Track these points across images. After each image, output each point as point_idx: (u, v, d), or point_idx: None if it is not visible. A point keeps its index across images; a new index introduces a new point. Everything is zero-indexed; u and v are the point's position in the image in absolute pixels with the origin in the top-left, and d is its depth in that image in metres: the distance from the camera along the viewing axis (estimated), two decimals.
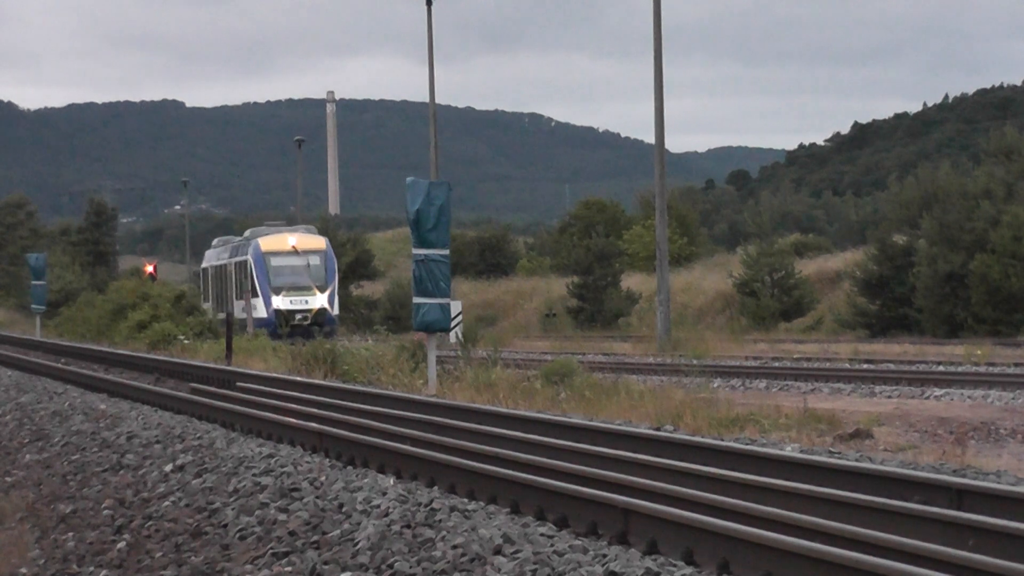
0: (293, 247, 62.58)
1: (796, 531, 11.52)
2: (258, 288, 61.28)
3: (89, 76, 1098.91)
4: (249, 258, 62.32)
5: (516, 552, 11.82)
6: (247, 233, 69.51)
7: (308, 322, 59.48)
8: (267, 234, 64.81)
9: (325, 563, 12.44)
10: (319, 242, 64.34)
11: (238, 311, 62.02)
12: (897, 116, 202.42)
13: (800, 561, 10.68)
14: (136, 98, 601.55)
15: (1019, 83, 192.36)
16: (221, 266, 71.64)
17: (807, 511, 12.40)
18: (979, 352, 45.34)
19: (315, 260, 62.64)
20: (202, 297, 77.69)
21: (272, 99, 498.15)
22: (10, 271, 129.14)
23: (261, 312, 60.62)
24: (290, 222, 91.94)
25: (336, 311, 64.37)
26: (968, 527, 11.37)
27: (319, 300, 61.01)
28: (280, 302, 60.32)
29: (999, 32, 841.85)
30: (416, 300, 33.63)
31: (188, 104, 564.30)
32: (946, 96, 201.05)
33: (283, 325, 58.65)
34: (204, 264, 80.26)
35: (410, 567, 11.77)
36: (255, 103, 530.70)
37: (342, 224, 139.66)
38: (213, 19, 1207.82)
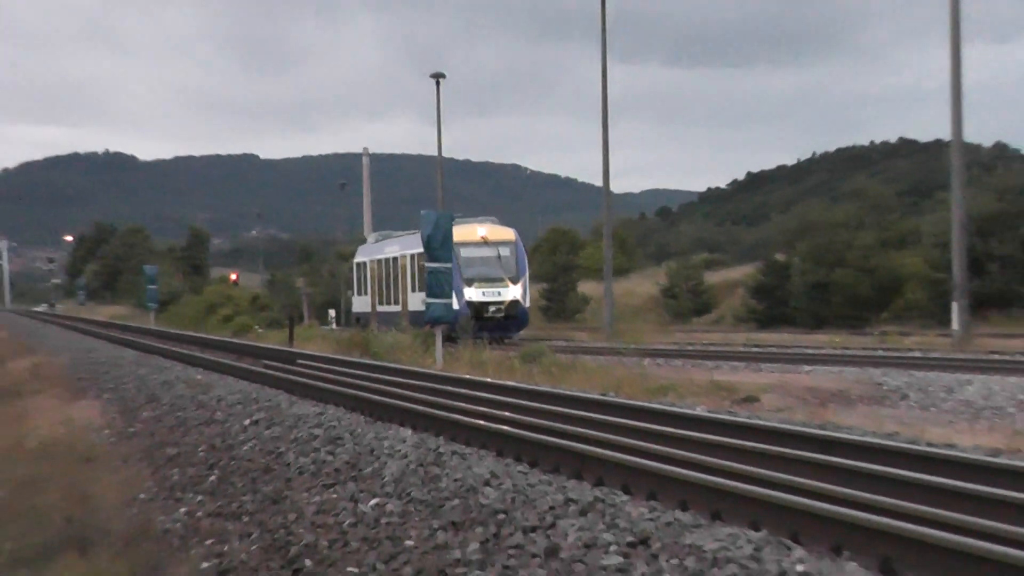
0: (483, 237, 50.78)
1: (703, 469, 11.55)
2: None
3: (188, 134, 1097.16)
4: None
5: (500, 484, 11.85)
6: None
7: (502, 314, 48.91)
8: (455, 224, 52.78)
9: (361, 491, 12.44)
10: (509, 233, 52.01)
11: (416, 303, 50.29)
12: (779, 167, 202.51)
13: (709, 492, 10.71)
14: (223, 151, 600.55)
15: (867, 143, 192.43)
16: (391, 259, 57.95)
17: (712, 456, 12.41)
18: (837, 340, 45.38)
19: (506, 251, 50.57)
20: (356, 291, 66.83)
21: (323, 152, 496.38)
22: (132, 279, 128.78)
23: (452, 304, 49.03)
24: (332, 244, 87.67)
25: (528, 304, 52.54)
26: (828, 466, 11.40)
27: (512, 292, 49.34)
28: (473, 294, 48.64)
29: (854, 104, 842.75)
30: (427, 300, 33.60)
31: (261, 156, 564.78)
32: (814, 152, 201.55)
33: (474, 317, 47.77)
34: (361, 258, 65.58)
35: (423, 495, 11.78)
36: (309, 155, 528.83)
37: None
38: (275, 91, 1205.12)
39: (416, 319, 47.16)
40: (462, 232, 49.29)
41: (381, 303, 59.08)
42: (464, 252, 48.45)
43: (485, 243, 50.17)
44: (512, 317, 48.97)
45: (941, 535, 8.47)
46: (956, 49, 40.20)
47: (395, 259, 56.76)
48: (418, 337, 39.71)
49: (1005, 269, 57.55)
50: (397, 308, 54.76)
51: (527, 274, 51.06)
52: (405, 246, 54.76)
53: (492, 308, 48.44)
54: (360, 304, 64.59)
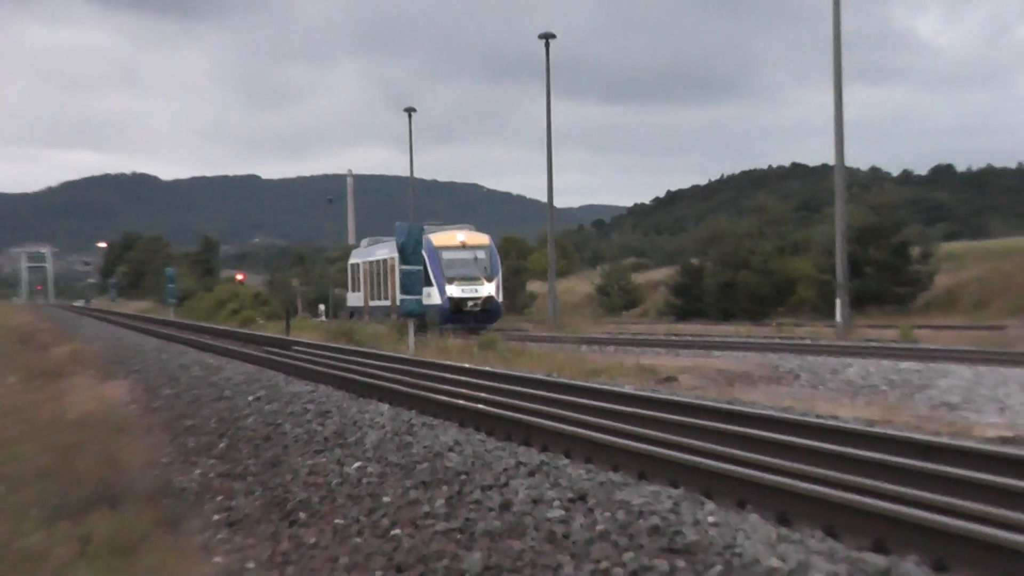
0: (462, 242, 50.09)
1: (631, 438, 11.60)
2: (432, 278, 48.11)
3: (201, 159, 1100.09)
4: (423, 252, 49.96)
5: (462, 450, 11.85)
6: None
7: (479, 308, 48.29)
8: (436, 231, 51.30)
9: (346, 456, 12.43)
10: (484, 239, 51.52)
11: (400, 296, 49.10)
12: (693, 186, 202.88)
13: (636, 457, 10.75)
14: (230, 173, 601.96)
15: (765, 167, 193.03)
16: (381, 260, 56.83)
17: (638, 426, 12.46)
18: (742, 330, 45.55)
19: (481, 254, 49.97)
20: (351, 288, 66.21)
21: (313, 174, 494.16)
22: (154, 279, 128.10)
23: (436, 300, 47.82)
24: (319, 251, 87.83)
25: (501, 299, 52.03)
26: (734, 435, 11.47)
27: (488, 289, 48.78)
28: (453, 291, 48.08)
29: (754, 135, 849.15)
30: (401, 297, 33.65)
31: (262, 177, 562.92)
32: (722, 174, 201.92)
33: (455, 311, 47.66)
34: (355, 260, 65.13)
35: (398, 459, 11.78)
36: (302, 176, 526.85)
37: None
38: (273, 122, 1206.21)
39: (404, 311, 47.03)
40: (444, 238, 49.91)
41: (372, 299, 58.11)
42: (446, 255, 48.48)
43: (464, 247, 49.54)
44: (487, 311, 48.41)
45: (829, 491, 8.54)
46: (838, 90, 40.48)
47: (384, 260, 55.75)
48: (394, 327, 39.65)
49: (879, 271, 57.97)
50: (387, 303, 53.83)
51: (500, 274, 50.58)
52: (393, 250, 52.01)
53: (470, 303, 47.93)
54: (354, 299, 63.64)
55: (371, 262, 59.16)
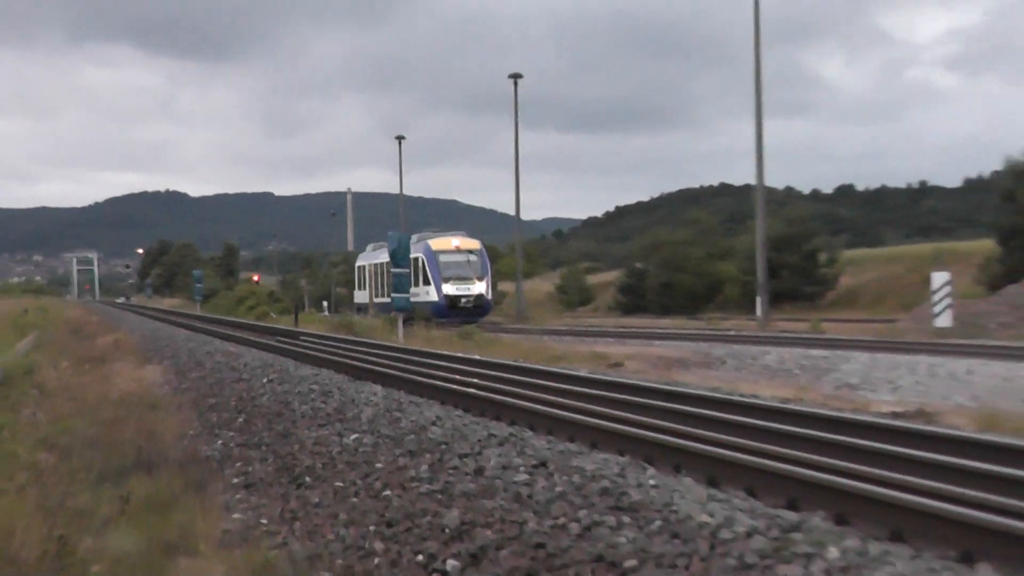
0: (456, 247, 47.82)
1: (585, 414, 11.58)
2: (431, 278, 46.32)
3: (225, 178, 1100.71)
4: (422, 255, 46.54)
5: (443, 424, 11.81)
6: (413, 238, 50.89)
7: (472, 304, 46.18)
8: (433, 237, 49.46)
9: (345, 429, 12.36)
10: (476, 243, 49.02)
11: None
12: (638, 202, 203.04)
13: (589, 430, 10.74)
14: (249, 190, 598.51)
15: (698, 186, 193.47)
16: (383, 263, 53.05)
17: (591, 403, 12.45)
18: (679, 323, 45.67)
19: (473, 257, 47.60)
20: (357, 287, 63.47)
21: (319, 191, 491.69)
22: (184, 279, 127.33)
23: (434, 297, 46.00)
24: (324, 255, 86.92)
25: (491, 296, 49.57)
26: (672, 411, 11.48)
27: (479, 287, 46.65)
28: (449, 289, 45.94)
29: (690, 159, 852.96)
30: (393, 295, 33.56)
31: (276, 193, 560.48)
32: (662, 192, 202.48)
33: (450, 306, 45.60)
34: (360, 263, 62.62)
35: (389, 432, 11.72)
36: (309, 193, 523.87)
37: (354, 256, 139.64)
38: (287, 148, 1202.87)
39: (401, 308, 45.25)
40: (441, 243, 48.07)
41: (376, 296, 56.48)
42: (443, 257, 46.77)
43: (458, 251, 47.69)
44: (479, 307, 46.76)
45: (750, 459, 8.57)
46: (759, 122, 40.52)
47: (385, 263, 52.17)
48: (387, 321, 39.49)
49: (792, 274, 58.26)
50: (388, 300, 51.49)
51: (490, 274, 48.80)
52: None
53: (464, 300, 46.17)
54: (360, 297, 62.04)
55: (374, 264, 57.55)
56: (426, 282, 46.46)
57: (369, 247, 65.92)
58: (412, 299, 37.55)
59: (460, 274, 46.62)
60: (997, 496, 6.88)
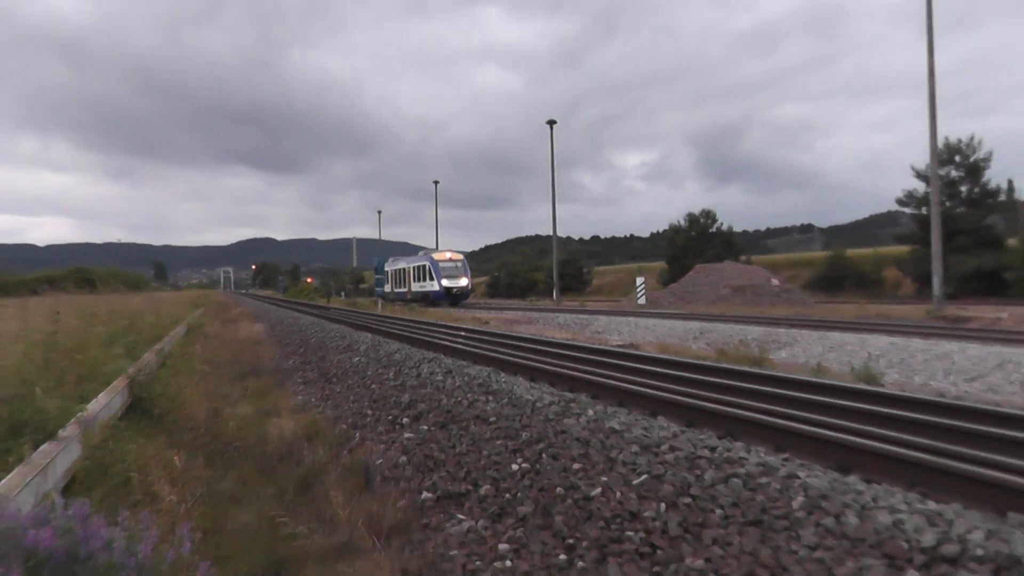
0: (449, 257, 39.84)
1: (472, 347, 11.08)
2: (434, 276, 37.93)
3: (292, 230, 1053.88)
4: (428, 263, 38.95)
5: (400, 351, 11.23)
6: (420, 253, 42.87)
7: (459, 292, 37.68)
8: (435, 252, 41.28)
9: (353, 355, 11.73)
10: (460, 256, 40.80)
11: (415, 289, 39.91)
12: (494, 243, 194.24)
13: (472, 355, 10.18)
14: (303, 236, 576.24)
15: (524, 235, 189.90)
16: (403, 268, 44.65)
17: (473, 344, 11.96)
18: (518, 303, 44.25)
19: (460, 263, 39.39)
20: (384, 281, 50.11)
21: (338, 238, 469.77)
22: (274, 280, 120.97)
23: (436, 288, 37.65)
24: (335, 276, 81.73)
25: (470, 288, 40.73)
26: (511, 345, 11.10)
27: (463, 282, 38.06)
28: (445, 283, 37.52)
29: (520, 221, 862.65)
30: (376, 289, 32.41)
31: (318, 239, 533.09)
32: (507, 238, 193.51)
33: (445, 294, 36.98)
34: (387, 268, 48.34)
35: (373, 355, 11.16)
36: (333, 239, 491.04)
37: (359, 271, 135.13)
38: (319, 218, 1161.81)
39: (414, 296, 39.26)
40: (440, 255, 41.00)
41: (395, 288, 46.96)
42: (441, 264, 39.47)
43: (451, 260, 40.17)
44: (463, 294, 38.96)
45: (554, 368, 8.24)
46: (554, 205, 40.02)
47: (403, 268, 45.75)
48: (375, 301, 37.46)
49: (570, 278, 57.75)
50: (403, 290, 44.58)
51: (469, 273, 40.52)
52: (407, 263, 44.84)
53: (454, 289, 38.21)
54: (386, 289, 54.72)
55: (394, 270, 48.60)
56: (431, 279, 39.87)
57: (390, 260, 54.31)
58: (421, 289, 33.00)
59: (452, 274, 39.44)
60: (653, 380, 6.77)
